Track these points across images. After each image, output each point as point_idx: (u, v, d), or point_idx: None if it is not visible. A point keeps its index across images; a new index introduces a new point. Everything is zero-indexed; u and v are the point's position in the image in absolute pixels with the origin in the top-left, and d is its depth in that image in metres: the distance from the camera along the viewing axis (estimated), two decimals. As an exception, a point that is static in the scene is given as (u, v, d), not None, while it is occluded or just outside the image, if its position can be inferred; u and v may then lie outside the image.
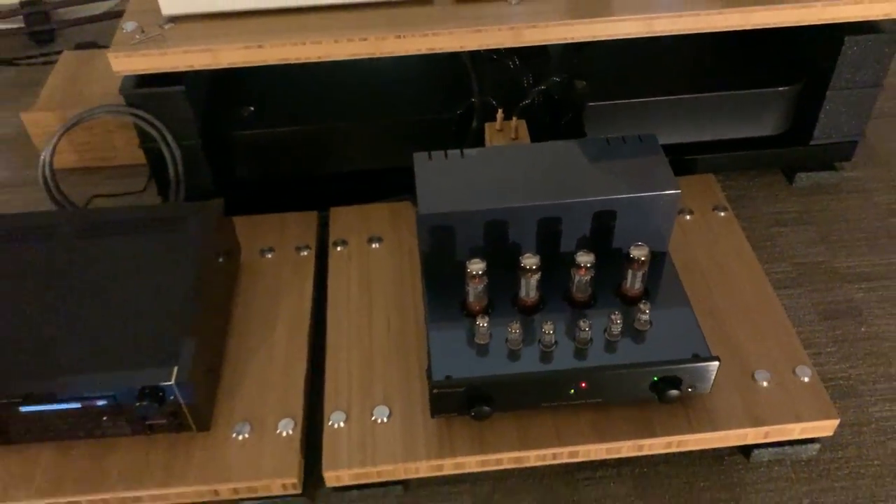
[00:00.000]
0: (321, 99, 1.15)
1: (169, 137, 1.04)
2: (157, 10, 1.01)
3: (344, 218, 1.10)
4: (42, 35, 1.62)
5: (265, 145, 1.12)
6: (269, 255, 1.05)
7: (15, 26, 1.64)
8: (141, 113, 1.03)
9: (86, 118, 1.07)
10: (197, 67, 0.99)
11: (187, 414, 0.81)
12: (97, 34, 1.63)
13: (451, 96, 1.14)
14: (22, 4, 1.61)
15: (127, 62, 0.98)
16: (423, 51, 0.99)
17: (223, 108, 1.13)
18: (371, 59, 1.03)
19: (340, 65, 1.03)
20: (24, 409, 0.79)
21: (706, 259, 1.02)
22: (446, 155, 0.93)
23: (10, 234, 0.94)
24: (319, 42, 0.98)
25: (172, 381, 0.78)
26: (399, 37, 0.98)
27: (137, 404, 0.78)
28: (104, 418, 0.81)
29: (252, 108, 1.12)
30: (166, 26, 1.01)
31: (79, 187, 1.25)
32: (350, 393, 0.89)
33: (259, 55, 0.98)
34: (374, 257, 1.05)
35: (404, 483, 0.87)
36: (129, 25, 1.00)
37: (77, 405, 0.80)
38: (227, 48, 0.97)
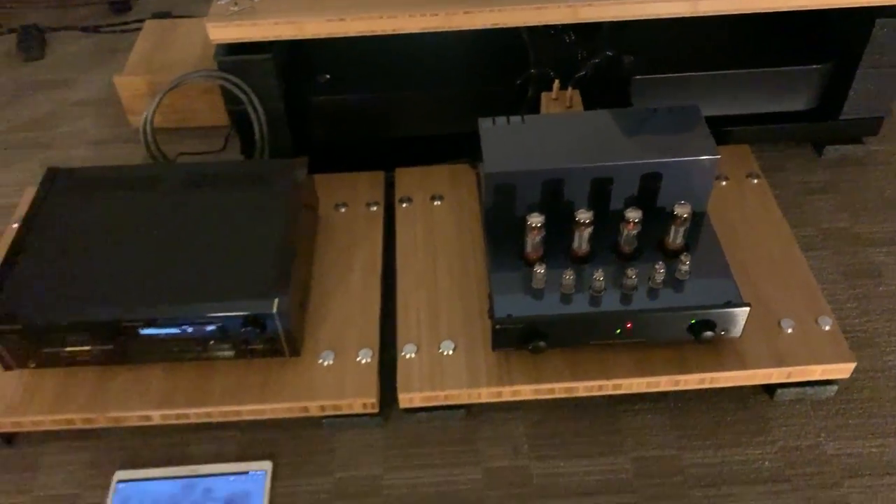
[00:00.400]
0: (390, 69, 1.26)
1: (255, 101, 1.16)
2: (248, -17, 1.12)
3: (408, 178, 1.21)
4: (120, 5, 1.74)
5: (339, 111, 1.23)
6: (343, 210, 1.17)
7: (95, -4, 1.76)
8: (232, 78, 1.14)
9: (184, 81, 1.18)
10: (284, 38, 1.10)
11: (283, 340, 0.94)
12: (171, 4, 1.74)
13: (506, 68, 1.25)
14: (102, -24, 1.73)
15: (223, 31, 1.09)
16: (488, 25, 1.10)
17: (302, 75, 1.24)
18: (437, 34, 1.13)
19: (408, 37, 1.14)
20: (143, 331, 0.92)
21: (740, 220, 1.12)
22: (508, 121, 1.04)
23: (120, 184, 1.06)
24: (395, 16, 1.08)
25: (274, 311, 0.90)
26: (467, 12, 1.08)
27: (242, 330, 0.91)
28: (211, 342, 0.94)
29: (328, 77, 1.23)
30: (256, 0, 1.12)
31: (164, 145, 1.37)
32: (419, 329, 1.01)
33: (340, 27, 1.09)
34: (436, 213, 1.16)
35: (467, 407, 0.99)
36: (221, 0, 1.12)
37: (189, 330, 0.92)
38: (311, 21, 1.08)
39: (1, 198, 1.33)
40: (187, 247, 0.97)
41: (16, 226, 1.16)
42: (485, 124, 1.03)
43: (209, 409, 0.94)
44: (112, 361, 0.96)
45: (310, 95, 1.21)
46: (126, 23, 1.71)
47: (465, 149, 1.18)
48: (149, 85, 1.38)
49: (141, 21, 1.68)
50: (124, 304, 0.92)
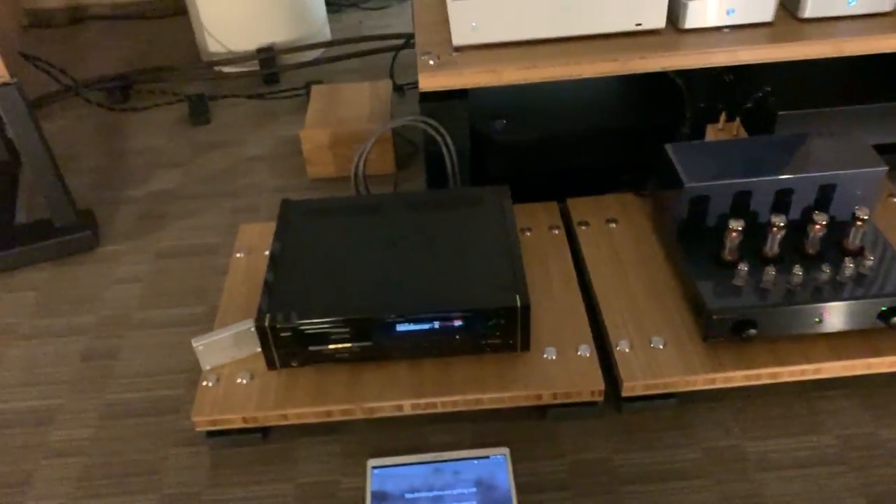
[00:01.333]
0: (556, 110, 1.42)
1: (448, 140, 1.32)
2: (444, 42, 1.30)
3: (581, 206, 1.36)
4: (271, 76, 1.94)
5: (514, 148, 1.39)
6: (528, 233, 1.31)
7: (248, 69, 1.96)
8: (431, 121, 1.30)
9: (391, 127, 1.34)
10: (482, 84, 1.27)
11: (519, 334, 1.06)
12: (313, 75, 1.94)
13: (658, 104, 1.41)
14: (258, 51, 1.94)
15: (432, 81, 1.26)
16: (660, 69, 1.26)
17: (478, 118, 1.41)
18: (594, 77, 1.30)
19: (565, 83, 1.31)
20: (399, 327, 1.05)
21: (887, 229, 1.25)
22: (692, 146, 1.19)
23: (349, 210, 1.21)
24: (579, 63, 1.25)
25: (518, 304, 1.03)
26: (643, 58, 1.25)
27: (488, 323, 1.03)
28: (455, 337, 1.06)
29: (504, 121, 1.39)
30: (454, 54, 1.30)
31: (341, 191, 1.53)
32: (627, 328, 1.13)
33: (533, 74, 1.26)
34: (614, 234, 1.30)
35: (678, 396, 1.10)
36: (425, 55, 1.29)
37: (437, 325, 1.05)
38: (508, 68, 1.25)
39: (204, 238, 1.48)
40: (426, 257, 1.11)
41: (240, 255, 1.31)
42: (672, 149, 1.18)
43: (455, 398, 1.06)
44: (365, 358, 1.08)
45: (490, 136, 1.38)
46: (282, 90, 1.91)
47: (623, 179, 1.33)
48: (330, 137, 1.56)
49: (293, 89, 1.88)
50: (384, 303, 1.05)
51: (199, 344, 1.09)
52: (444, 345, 1.07)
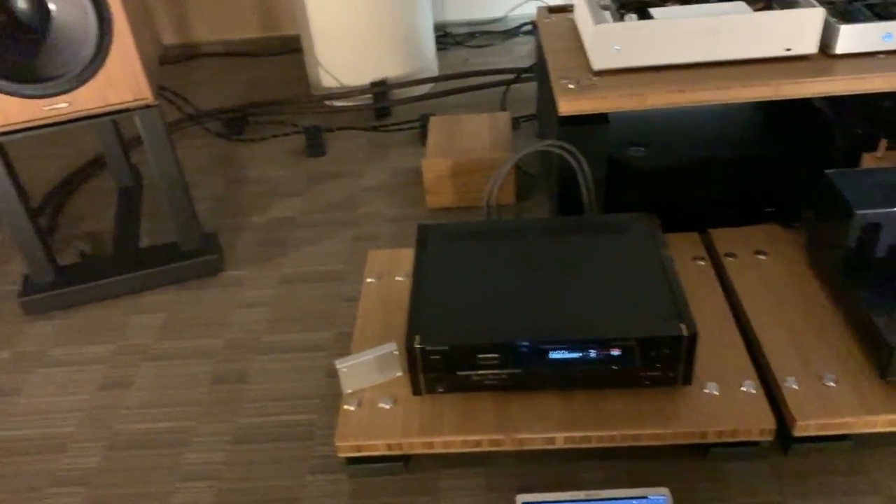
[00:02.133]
0: (695, 138, 1.38)
1: (585, 167, 1.28)
2: (579, 67, 1.28)
3: (725, 236, 1.29)
4: (383, 110, 1.95)
5: (651, 176, 1.34)
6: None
7: (361, 103, 1.98)
8: (568, 146, 1.27)
9: (527, 153, 1.32)
10: (625, 108, 1.23)
11: (681, 366, 0.99)
12: (424, 109, 1.94)
13: (804, 134, 1.35)
14: (372, 85, 1.95)
15: (573, 105, 1.23)
16: (814, 94, 1.21)
17: (615, 144, 1.37)
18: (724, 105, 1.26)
19: (699, 111, 1.26)
20: (552, 355, 1.00)
21: None
22: (856, 173, 1.12)
23: (487, 235, 1.17)
24: (729, 87, 1.21)
25: (684, 333, 0.97)
26: (797, 83, 1.20)
27: (650, 353, 0.97)
28: (612, 368, 1.00)
29: (642, 148, 1.35)
30: (594, 79, 1.27)
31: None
32: (792, 363, 1.05)
33: (680, 98, 1.22)
34: (763, 265, 1.23)
35: (853, 438, 1.01)
36: (563, 79, 1.27)
37: (593, 354, 0.99)
38: (653, 93, 1.21)
39: (327, 265, 1.47)
40: (577, 283, 1.06)
41: (371, 280, 1.28)
42: (835, 176, 1.12)
43: (612, 433, 0.99)
44: (514, 386, 1.03)
45: (628, 163, 1.33)
46: (395, 123, 1.91)
47: (765, 211, 1.26)
48: (452, 167, 1.54)
49: (406, 122, 1.88)
50: (538, 328, 1.00)
51: (343, 366, 1.06)
52: (599, 376, 1.01)
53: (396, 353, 1.07)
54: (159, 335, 1.34)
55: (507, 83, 1.97)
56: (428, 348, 1.00)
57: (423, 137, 1.84)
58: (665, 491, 0.99)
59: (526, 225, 1.20)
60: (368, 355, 1.07)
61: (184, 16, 2.39)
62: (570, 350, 0.99)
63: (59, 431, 1.18)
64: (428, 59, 2.08)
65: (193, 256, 1.45)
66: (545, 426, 1.01)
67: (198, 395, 1.22)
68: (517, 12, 2.38)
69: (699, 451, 1.03)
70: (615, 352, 0.99)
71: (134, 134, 1.76)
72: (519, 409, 1.03)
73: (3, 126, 1.23)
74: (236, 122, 1.93)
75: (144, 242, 1.56)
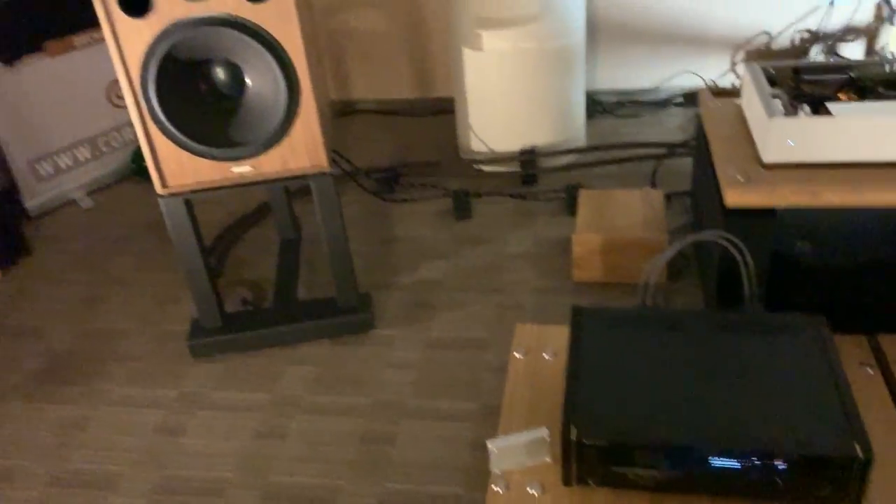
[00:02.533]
0: (864, 237, 1.32)
1: (749, 259, 1.25)
2: (745, 157, 1.26)
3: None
4: (530, 177, 1.99)
5: (817, 274, 1.30)
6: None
7: (509, 169, 2.03)
8: (734, 239, 1.25)
9: (691, 241, 1.30)
10: (798, 205, 1.20)
11: (852, 489, 0.94)
12: (571, 178, 1.97)
13: None
14: (521, 152, 1.99)
15: (742, 198, 1.21)
16: None
17: (780, 238, 1.33)
18: None
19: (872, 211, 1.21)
20: (714, 461, 0.97)
21: None
22: None
23: (645, 323, 1.17)
24: (913, 189, 1.16)
25: (859, 455, 0.92)
26: None
27: (821, 471, 0.93)
28: (776, 481, 0.96)
29: (808, 244, 1.31)
30: (763, 171, 1.24)
31: (596, 296, 1.51)
32: (977, 496, 0.98)
33: (856, 198, 1.18)
34: (942, 381, 1.15)
35: None
36: (730, 169, 1.25)
37: (757, 463, 0.96)
38: (828, 190, 1.18)
39: (472, 332, 1.50)
40: (742, 386, 1.03)
41: (518, 356, 1.30)
42: None
43: (772, 550, 0.96)
44: (668, 489, 1.01)
45: (794, 258, 1.29)
46: (542, 191, 1.94)
47: None
48: (603, 243, 1.54)
49: (553, 191, 1.90)
50: (701, 432, 0.98)
51: (494, 446, 1.07)
52: (761, 488, 0.98)
53: (548, 439, 1.08)
54: (313, 388, 1.40)
55: (659, 157, 1.96)
56: (584, 441, 0.99)
57: (569, 207, 1.85)
58: None
59: (687, 317, 1.18)
60: (521, 438, 1.08)
61: (345, 74, 2.53)
62: (735, 459, 0.96)
63: (219, 476, 1.25)
64: (577, 128, 2.10)
65: (349, 313, 1.51)
66: (700, 534, 0.98)
67: (347, 454, 1.26)
68: (668, 84, 2.37)
69: (867, 580, 0.97)
70: (780, 464, 0.96)
71: (297, 185, 1.87)
72: (675, 512, 1.01)
73: (195, 184, 1.34)
74: (388, 181, 2.02)
75: (302, 295, 1.65)
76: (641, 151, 2.01)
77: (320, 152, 1.34)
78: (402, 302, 1.61)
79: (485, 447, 1.21)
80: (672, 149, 1.96)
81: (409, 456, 1.24)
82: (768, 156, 1.24)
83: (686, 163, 1.94)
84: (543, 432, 1.07)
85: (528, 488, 1.06)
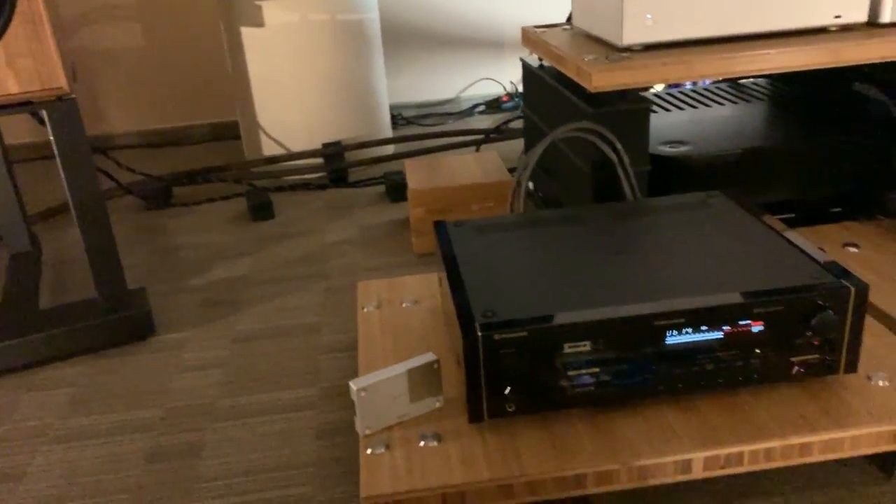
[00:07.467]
0: (741, 135, 1.17)
1: (626, 159, 1.04)
2: (603, 53, 1.08)
3: (804, 234, 1.06)
4: (338, 173, 1.69)
5: (701, 172, 1.12)
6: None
7: (315, 167, 1.71)
8: (606, 132, 1.04)
9: (555, 137, 1.07)
10: (671, 80, 1.02)
11: (845, 343, 0.71)
12: (376, 170, 1.71)
13: (852, 122, 1.17)
14: (324, 146, 1.70)
15: (609, 76, 1.01)
16: (880, 58, 1.04)
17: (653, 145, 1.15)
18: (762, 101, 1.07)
19: (734, 112, 1.07)
20: (670, 339, 0.70)
21: None
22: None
23: (542, 223, 0.89)
24: (785, 51, 1.03)
25: (849, 285, 0.69)
26: (858, 44, 1.03)
27: (810, 320, 0.69)
28: (755, 352, 0.70)
29: (686, 145, 1.14)
30: (624, 54, 1.06)
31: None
32: (964, 344, 0.79)
33: (731, 66, 1.02)
34: (863, 257, 0.99)
35: None
36: (589, 57, 1.06)
37: (727, 332, 0.70)
38: (701, 61, 1.02)
39: (293, 319, 1.13)
40: (676, 257, 0.78)
41: (367, 309, 0.96)
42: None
43: (770, 444, 0.68)
44: (613, 399, 0.71)
45: (674, 157, 1.11)
46: (359, 181, 1.65)
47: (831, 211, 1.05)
48: (444, 197, 1.27)
49: (371, 179, 1.64)
50: (650, 299, 0.70)
51: (359, 387, 0.71)
52: (734, 369, 0.71)
53: (437, 365, 0.74)
54: (67, 413, 0.94)
55: (476, 143, 1.77)
56: (498, 336, 0.68)
57: (391, 194, 1.58)
58: (860, 527, 0.67)
59: (577, 212, 0.93)
60: (397, 370, 0.73)
61: (99, 103, 2.11)
62: (697, 331, 0.70)
63: None
64: (382, 118, 1.85)
65: (116, 313, 1.08)
66: (673, 447, 0.69)
67: (128, 480, 0.82)
68: (468, 93, 2.24)
69: (873, 477, 0.73)
70: (756, 327, 0.71)
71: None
72: (629, 431, 0.70)
73: None
74: (162, 192, 1.62)
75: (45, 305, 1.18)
76: (457, 140, 1.81)
77: (54, 66, 0.95)
78: (193, 303, 1.21)
79: (338, 432, 0.85)
80: (488, 135, 1.78)
81: (225, 465, 0.83)
82: (627, 37, 1.05)
83: (503, 147, 1.77)
84: (430, 357, 0.74)
85: (420, 442, 0.71)
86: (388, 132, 1.89)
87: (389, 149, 1.82)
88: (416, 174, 1.38)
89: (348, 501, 0.77)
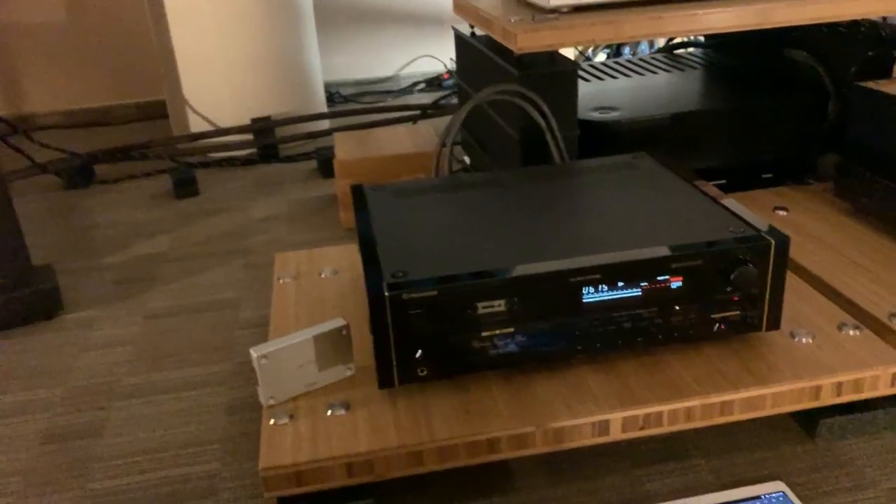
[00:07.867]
0: (668, 103, 1.15)
1: (549, 115, 1.01)
2: (529, 15, 1.04)
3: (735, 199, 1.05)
4: (268, 149, 1.63)
5: (629, 137, 1.09)
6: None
7: (244, 143, 1.65)
8: (527, 92, 1.00)
9: (480, 100, 1.03)
10: (599, 41, 0.99)
11: (766, 299, 0.69)
12: (309, 147, 1.66)
13: (783, 86, 1.16)
14: (253, 121, 1.64)
15: (534, 37, 0.98)
16: (813, 20, 1.03)
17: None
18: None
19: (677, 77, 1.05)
20: (588, 296, 0.66)
21: None
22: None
23: (466, 186, 0.85)
24: (712, 12, 1.00)
25: (769, 238, 0.67)
26: (789, 6, 1.02)
27: (734, 275, 0.67)
28: (675, 309, 0.68)
29: (615, 111, 1.11)
30: (550, 16, 1.03)
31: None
32: (880, 303, 0.78)
33: (659, 26, 1.00)
34: (791, 220, 0.98)
35: None
36: (514, 19, 1.03)
37: (646, 288, 0.67)
38: (629, 20, 0.99)
39: (211, 295, 1.07)
40: (595, 215, 0.75)
41: (283, 280, 0.91)
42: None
43: (690, 403, 0.65)
44: (528, 358, 0.68)
45: (603, 123, 1.08)
46: (288, 157, 1.59)
47: (762, 177, 1.04)
48: (373, 167, 1.22)
49: (302, 155, 1.59)
50: (563, 256, 0.67)
51: (260, 354, 0.67)
52: (652, 327, 0.69)
53: (346, 332, 0.70)
54: (-41, 395, 0.88)
55: (413, 119, 1.73)
56: (406, 296, 0.64)
57: (322, 170, 1.53)
58: (781, 485, 0.65)
59: (500, 176, 0.90)
60: (301, 336, 0.69)
61: (17, 81, 2.01)
62: (612, 285, 0.67)
63: None
64: (316, 93, 1.79)
65: (17, 290, 1.01)
66: (589, 408, 0.66)
67: (19, 462, 0.76)
68: (408, 71, 2.19)
69: (798, 436, 0.71)
70: (675, 283, 0.68)
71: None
72: (546, 394, 0.68)
73: None
74: (82, 172, 1.54)
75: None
76: (394, 115, 1.76)
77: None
78: (106, 281, 1.14)
79: (250, 407, 0.81)
80: (425, 110, 1.74)
81: (127, 444, 0.78)
82: (555, -2, 1.04)
83: (441, 123, 1.73)
84: (339, 322, 0.70)
85: (328, 411, 0.67)
86: (323, 108, 1.83)
87: (324, 125, 1.77)
88: (345, 146, 1.33)
89: (254, 476, 0.72)
